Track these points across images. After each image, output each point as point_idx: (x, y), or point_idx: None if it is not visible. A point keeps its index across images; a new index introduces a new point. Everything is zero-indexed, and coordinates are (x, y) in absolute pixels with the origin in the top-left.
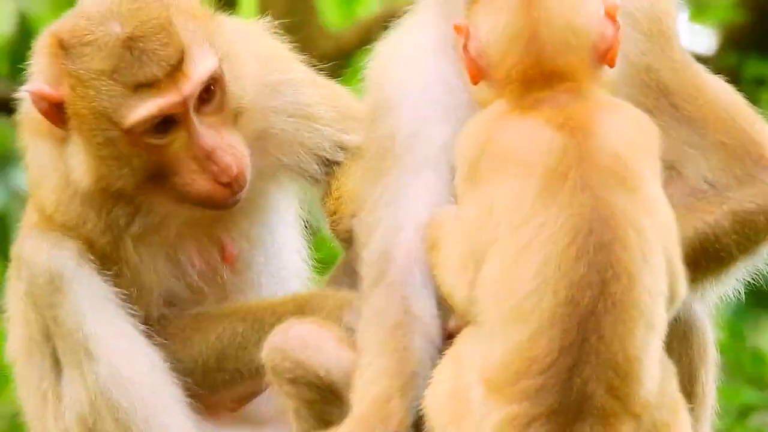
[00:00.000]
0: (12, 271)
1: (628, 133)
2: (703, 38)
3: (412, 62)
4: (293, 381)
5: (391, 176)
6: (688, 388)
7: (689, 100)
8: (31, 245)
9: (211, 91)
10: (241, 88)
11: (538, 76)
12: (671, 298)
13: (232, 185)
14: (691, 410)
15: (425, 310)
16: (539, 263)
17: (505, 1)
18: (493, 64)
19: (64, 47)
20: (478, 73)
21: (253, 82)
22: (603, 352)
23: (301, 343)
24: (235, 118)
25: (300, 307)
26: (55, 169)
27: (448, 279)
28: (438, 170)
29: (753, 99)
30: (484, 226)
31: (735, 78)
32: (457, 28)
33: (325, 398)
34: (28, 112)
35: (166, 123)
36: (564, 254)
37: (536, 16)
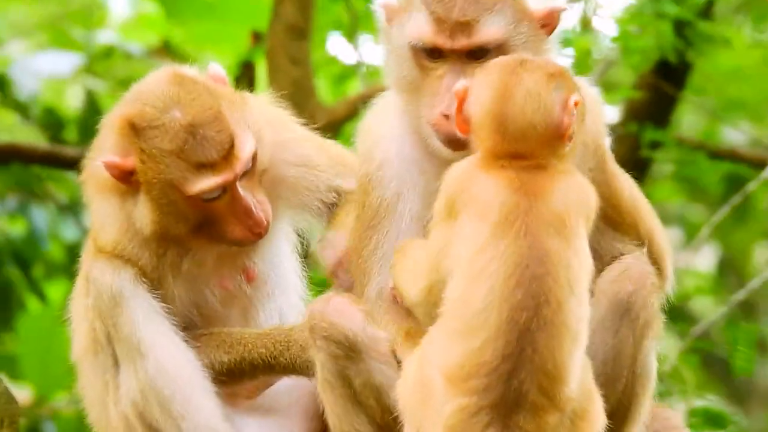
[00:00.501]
0: (79, 289)
1: (569, 197)
2: (611, 112)
3: (389, 143)
4: (326, 338)
5: (380, 234)
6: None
7: (615, 209)
8: (98, 270)
9: (251, 166)
10: (263, 152)
11: (504, 151)
12: None
13: (261, 232)
14: (633, 382)
15: None
16: (487, 289)
17: (491, 85)
18: (474, 128)
19: (134, 129)
20: (466, 129)
21: (268, 143)
22: (536, 361)
23: (337, 310)
24: (260, 176)
25: (268, 346)
26: (116, 218)
27: (402, 282)
28: (415, 230)
29: (650, 158)
30: (449, 252)
31: (636, 142)
32: (457, 92)
33: (347, 355)
34: (93, 173)
35: (219, 191)
36: (506, 284)
37: (506, 108)
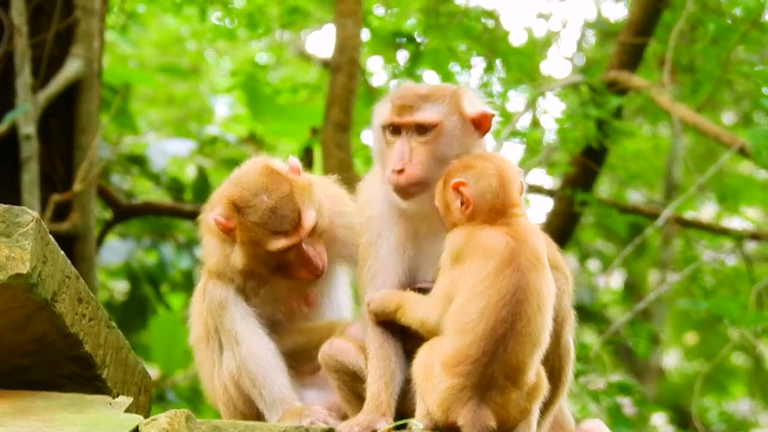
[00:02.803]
0: (197, 296)
1: (539, 240)
2: (552, 181)
3: (373, 204)
4: (336, 370)
5: (370, 260)
6: (555, 343)
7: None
8: (212, 285)
9: (313, 231)
10: (322, 219)
11: (498, 210)
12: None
13: (318, 274)
14: (561, 359)
15: (396, 335)
16: (482, 306)
17: (487, 175)
18: (478, 205)
19: (236, 206)
20: (468, 207)
21: (327, 212)
22: (505, 358)
23: (338, 349)
24: (320, 234)
25: (327, 330)
26: (217, 253)
27: (418, 316)
28: (394, 260)
29: (580, 212)
30: (459, 283)
31: (570, 201)
32: (455, 184)
33: (353, 379)
34: (206, 221)
35: (290, 248)
36: (497, 304)
37: (502, 184)
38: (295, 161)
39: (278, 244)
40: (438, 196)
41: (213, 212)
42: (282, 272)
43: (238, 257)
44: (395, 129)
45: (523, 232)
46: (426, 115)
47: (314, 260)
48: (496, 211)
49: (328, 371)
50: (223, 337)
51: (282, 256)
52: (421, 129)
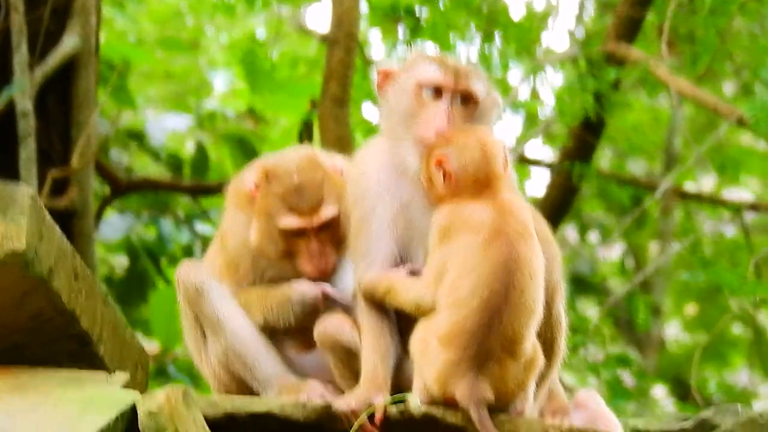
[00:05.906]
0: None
1: (525, 212)
2: (551, 153)
3: (369, 175)
4: (332, 348)
5: (363, 238)
6: (546, 314)
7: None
8: (183, 272)
9: (328, 225)
10: (345, 225)
11: (481, 184)
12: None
13: (323, 274)
14: (552, 330)
15: (389, 310)
16: (475, 279)
17: (469, 149)
18: (461, 178)
19: (267, 175)
20: (450, 181)
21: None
22: (501, 330)
23: (333, 327)
24: (338, 241)
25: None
26: (241, 230)
27: (412, 298)
28: (387, 236)
29: (578, 185)
30: (449, 260)
31: (568, 174)
32: (437, 159)
33: (349, 356)
34: (236, 193)
35: (300, 232)
36: (489, 276)
37: (484, 157)
38: (340, 163)
39: (289, 221)
40: (422, 170)
41: (246, 178)
42: (289, 262)
43: (254, 231)
44: (437, 92)
45: (509, 205)
46: (479, 87)
47: (320, 258)
48: (480, 184)
49: (324, 349)
50: (205, 324)
51: (292, 241)
52: (466, 99)
